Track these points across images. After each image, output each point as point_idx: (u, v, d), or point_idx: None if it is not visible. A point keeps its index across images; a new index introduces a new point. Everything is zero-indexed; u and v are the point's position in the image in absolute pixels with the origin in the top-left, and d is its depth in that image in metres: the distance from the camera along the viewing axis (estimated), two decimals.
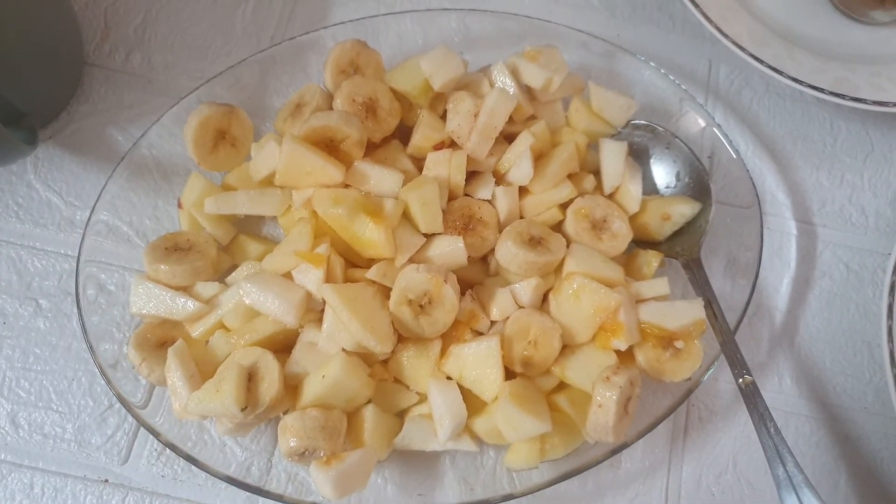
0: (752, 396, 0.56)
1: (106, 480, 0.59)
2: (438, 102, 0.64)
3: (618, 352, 0.56)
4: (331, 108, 0.62)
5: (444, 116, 0.63)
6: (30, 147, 0.59)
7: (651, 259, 0.62)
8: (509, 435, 0.54)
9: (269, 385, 0.53)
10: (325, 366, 0.54)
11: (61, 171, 0.68)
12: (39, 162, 0.68)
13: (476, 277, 0.61)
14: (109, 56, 0.72)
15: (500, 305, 0.58)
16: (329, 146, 0.59)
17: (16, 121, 0.60)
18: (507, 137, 0.63)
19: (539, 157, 0.63)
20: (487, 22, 0.71)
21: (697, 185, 0.66)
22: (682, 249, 0.64)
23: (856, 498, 0.63)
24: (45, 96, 0.67)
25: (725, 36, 0.68)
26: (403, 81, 0.62)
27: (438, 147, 0.62)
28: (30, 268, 0.65)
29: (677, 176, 0.67)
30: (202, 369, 0.55)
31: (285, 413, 0.55)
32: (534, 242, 0.58)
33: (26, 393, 0.61)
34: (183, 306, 0.57)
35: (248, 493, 0.57)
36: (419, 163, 0.62)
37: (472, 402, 0.56)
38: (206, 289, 0.58)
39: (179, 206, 0.63)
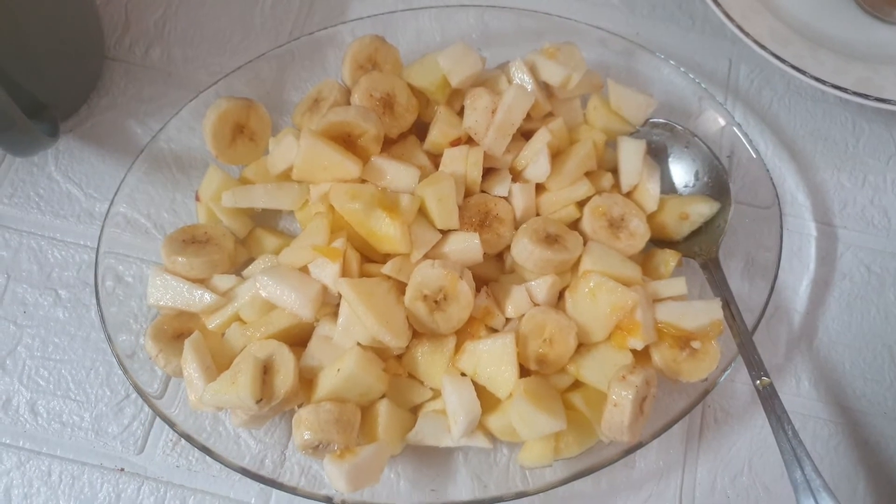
0: (769, 398, 0.56)
1: (122, 469, 0.60)
2: (456, 99, 0.64)
3: (634, 351, 0.56)
4: (348, 104, 0.62)
5: (461, 113, 0.63)
6: (51, 139, 0.60)
7: (669, 258, 0.61)
8: (523, 432, 0.54)
9: (285, 378, 0.53)
10: (340, 360, 0.54)
11: (81, 163, 0.69)
12: (60, 154, 0.69)
13: (491, 274, 0.61)
14: (130, 50, 0.73)
15: (515, 303, 0.58)
16: (346, 141, 0.59)
17: (38, 113, 0.61)
18: (525, 134, 0.63)
19: (556, 155, 0.63)
20: (506, 18, 0.71)
21: (716, 185, 0.65)
22: (700, 249, 0.63)
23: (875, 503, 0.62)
24: (66, 89, 0.68)
25: (747, 35, 0.67)
26: (421, 77, 0.62)
27: (455, 143, 0.61)
28: (50, 258, 0.66)
29: (696, 175, 0.66)
30: (218, 361, 0.56)
31: (300, 406, 0.55)
32: (550, 240, 0.58)
33: (45, 381, 0.62)
34: (200, 298, 0.58)
35: (261, 485, 0.57)
36: (436, 159, 0.62)
37: (487, 399, 0.55)
38: (223, 281, 0.59)
39: (197, 199, 0.64)
